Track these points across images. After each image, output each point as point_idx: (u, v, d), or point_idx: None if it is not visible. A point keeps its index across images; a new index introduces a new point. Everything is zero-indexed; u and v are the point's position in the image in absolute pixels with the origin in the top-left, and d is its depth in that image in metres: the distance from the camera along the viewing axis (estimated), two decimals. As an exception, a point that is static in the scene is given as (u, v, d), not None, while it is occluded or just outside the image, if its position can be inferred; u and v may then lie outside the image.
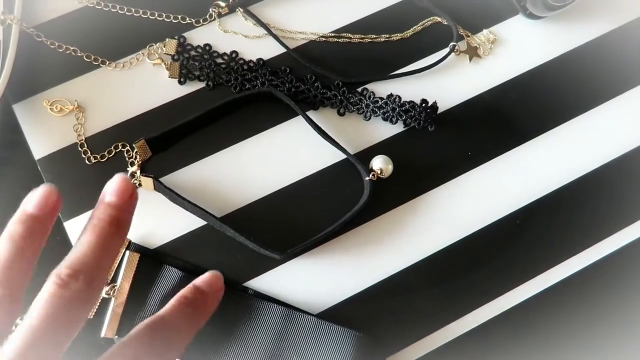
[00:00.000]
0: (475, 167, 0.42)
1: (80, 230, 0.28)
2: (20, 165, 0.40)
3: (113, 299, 0.37)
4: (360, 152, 0.42)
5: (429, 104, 0.42)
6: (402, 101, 0.42)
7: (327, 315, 0.38)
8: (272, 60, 0.44)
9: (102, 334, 0.36)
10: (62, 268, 0.26)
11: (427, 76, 0.44)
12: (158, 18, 0.44)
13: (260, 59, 0.43)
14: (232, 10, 0.45)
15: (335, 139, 0.41)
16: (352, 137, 0.42)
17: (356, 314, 0.38)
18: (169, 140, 0.41)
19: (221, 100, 0.41)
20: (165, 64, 0.43)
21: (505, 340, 0.38)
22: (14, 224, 0.27)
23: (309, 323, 0.37)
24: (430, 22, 0.45)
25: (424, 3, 0.45)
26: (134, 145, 0.40)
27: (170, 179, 0.40)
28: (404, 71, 0.43)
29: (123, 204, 0.28)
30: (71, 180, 0.39)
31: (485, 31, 0.45)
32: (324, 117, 0.42)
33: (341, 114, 0.43)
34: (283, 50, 0.44)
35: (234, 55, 0.43)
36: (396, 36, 0.45)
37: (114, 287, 0.37)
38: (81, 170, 0.40)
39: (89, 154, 0.40)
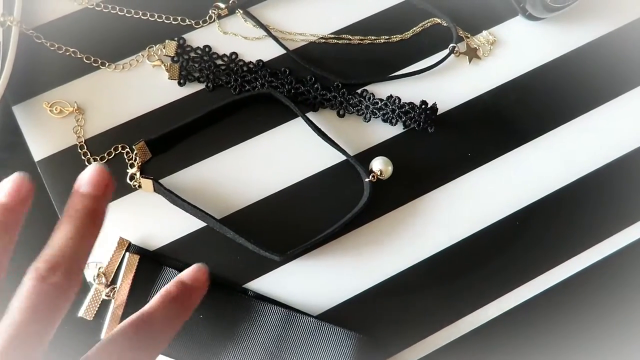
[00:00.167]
0: (475, 168, 0.42)
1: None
2: (20, 167, 0.40)
3: (113, 300, 0.37)
4: (360, 153, 0.42)
5: (429, 105, 0.42)
6: (401, 102, 0.42)
7: (327, 316, 0.38)
8: (271, 62, 0.44)
9: (102, 336, 0.36)
10: (40, 262, 0.26)
11: (427, 77, 0.44)
12: (158, 19, 0.44)
13: (260, 60, 0.44)
14: (231, 11, 0.45)
15: (335, 141, 0.41)
16: (352, 138, 0.42)
17: (356, 315, 0.38)
18: (168, 141, 0.41)
19: (221, 101, 0.41)
20: (165, 65, 0.43)
21: (505, 341, 0.38)
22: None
23: (309, 324, 0.37)
24: (429, 24, 0.46)
25: (423, 4, 0.45)
26: (133, 146, 0.40)
27: (170, 181, 0.40)
28: (404, 72, 0.43)
29: (98, 195, 0.28)
30: (71, 182, 0.39)
31: (484, 32, 0.45)
32: (324, 119, 0.42)
33: (341, 116, 0.43)
34: (283, 51, 0.44)
35: (233, 56, 0.43)
36: (396, 37, 0.45)
37: (113, 288, 0.37)
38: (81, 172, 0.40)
39: (89, 156, 0.40)
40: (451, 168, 0.41)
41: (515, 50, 0.45)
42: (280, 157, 0.41)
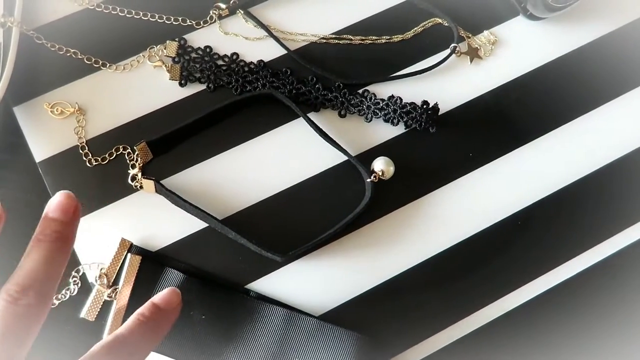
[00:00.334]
0: (477, 168, 0.42)
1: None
2: (21, 168, 0.40)
3: (115, 301, 0.37)
4: (362, 153, 0.42)
5: (430, 105, 0.42)
6: (403, 102, 0.42)
7: (329, 317, 0.38)
8: (272, 62, 0.44)
9: (104, 337, 0.36)
10: (11, 284, 0.27)
11: (428, 77, 0.44)
12: (159, 20, 0.44)
13: (261, 60, 0.43)
14: (232, 12, 0.45)
15: (337, 141, 0.41)
16: (353, 138, 0.42)
17: (358, 315, 0.38)
18: (170, 142, 0.41)
19: (222, 102, 0.41)
20: (166, 66, 0.43)
21: (506, 341, 0.38)
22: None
23: (310, 325, 0.37)
24: (431, 24, 0.45)
25: (424, 4, 0.45)
26: (135, 147, 0.39)
27: (172, 182, 0.40)
28: (405, 72, 0.43)
29: (66, 220, 0.29)
30: (72, 182, 0.39)
31: (486, 32, 0.45)
32: (325, 119, 0.42)
33: (342, 116, 0.43)
34: (284, 52, 0.44)
35: (234, 57, 0.43)
36: (397, 37, 0.45)
37: (115, 289, 0.37)
38: (82, 173, 0.40)
39: (90, 157, 0.40)
40: (453, 168, 0.42)
41: (517, 50, 0.45)
42: (282, 158, 0.41)
